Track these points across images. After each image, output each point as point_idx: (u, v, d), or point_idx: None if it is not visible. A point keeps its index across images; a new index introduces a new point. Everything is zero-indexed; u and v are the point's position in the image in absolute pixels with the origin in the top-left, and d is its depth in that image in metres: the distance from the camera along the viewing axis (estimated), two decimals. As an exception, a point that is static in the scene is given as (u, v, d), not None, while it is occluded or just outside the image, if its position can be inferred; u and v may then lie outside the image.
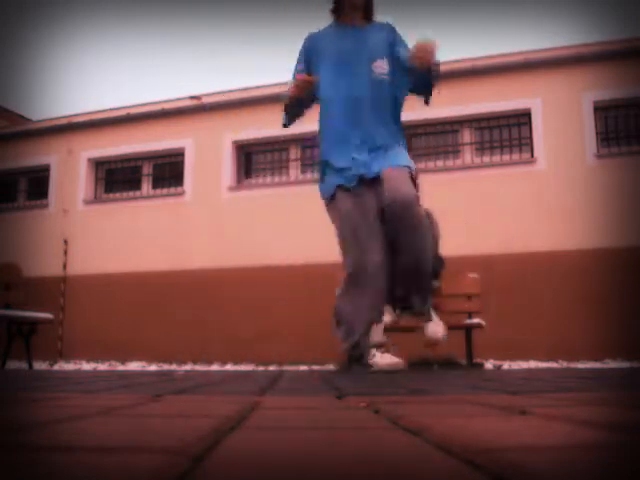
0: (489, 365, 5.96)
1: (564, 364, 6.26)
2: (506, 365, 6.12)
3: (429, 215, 5.39)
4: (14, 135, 10.68)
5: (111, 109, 10.02)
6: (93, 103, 46.51)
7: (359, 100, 3.31)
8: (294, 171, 9.24)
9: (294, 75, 3.49)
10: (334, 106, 3.36)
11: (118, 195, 10.09)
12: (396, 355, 3.33)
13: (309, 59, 3.50)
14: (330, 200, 3.41)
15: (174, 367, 7.03)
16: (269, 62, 33.88)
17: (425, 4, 35.70)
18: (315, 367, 6.31)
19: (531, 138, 8.14)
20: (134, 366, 7.50)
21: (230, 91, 9.32)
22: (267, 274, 8.46)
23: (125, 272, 9.26)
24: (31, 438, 0.69)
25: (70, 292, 9.54)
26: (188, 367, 7.09)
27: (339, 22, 3.51)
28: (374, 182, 3.29)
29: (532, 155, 8.04)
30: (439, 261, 5.34)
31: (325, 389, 1.78)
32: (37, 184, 10.62)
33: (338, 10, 3.49)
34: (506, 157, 8.30)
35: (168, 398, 1.35)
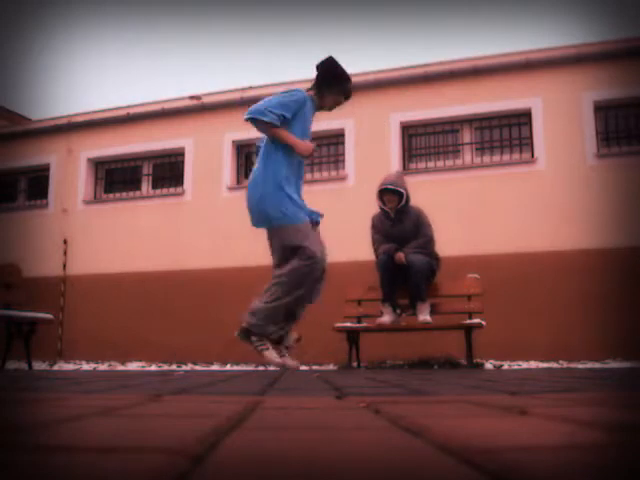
0: (489, 365, 5.96)
1: (564, 364, 6.26)
2: (506, 365, 6.12)
3: (421, 214, 5.38)
4: (14, 135, 10.67)
5: (111, 109, 10.00)
6: (93, 103, 46.50)
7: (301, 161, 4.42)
8: (294, 171, 9.22)
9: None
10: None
11: (118, 195, 10.08)
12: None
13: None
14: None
15: (174, 367, 7.02)
16: (269, 62, 33.88)
17: (426, 4, 35.71)
18: (315, 367, 6.30)
19: (531, 138, 8.14)
20: (134, 366, 7.50)
21: (230, 91, 9.31)
22: (267, 274, 8.43)
23: (125, 272, 9.25)
24: (31, 438, 0.69)
25: (70, 292, 9.53)
26: (188, 367, 7.09)
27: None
28: None
29: (532, 155, 8.03)
30: (436, 260, 5.34)
31: (325, 389, 1.78)
32: (37, 184, 10.61)
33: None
34: (506, 157, 8.29)
35: (168, 398, 1.36)
